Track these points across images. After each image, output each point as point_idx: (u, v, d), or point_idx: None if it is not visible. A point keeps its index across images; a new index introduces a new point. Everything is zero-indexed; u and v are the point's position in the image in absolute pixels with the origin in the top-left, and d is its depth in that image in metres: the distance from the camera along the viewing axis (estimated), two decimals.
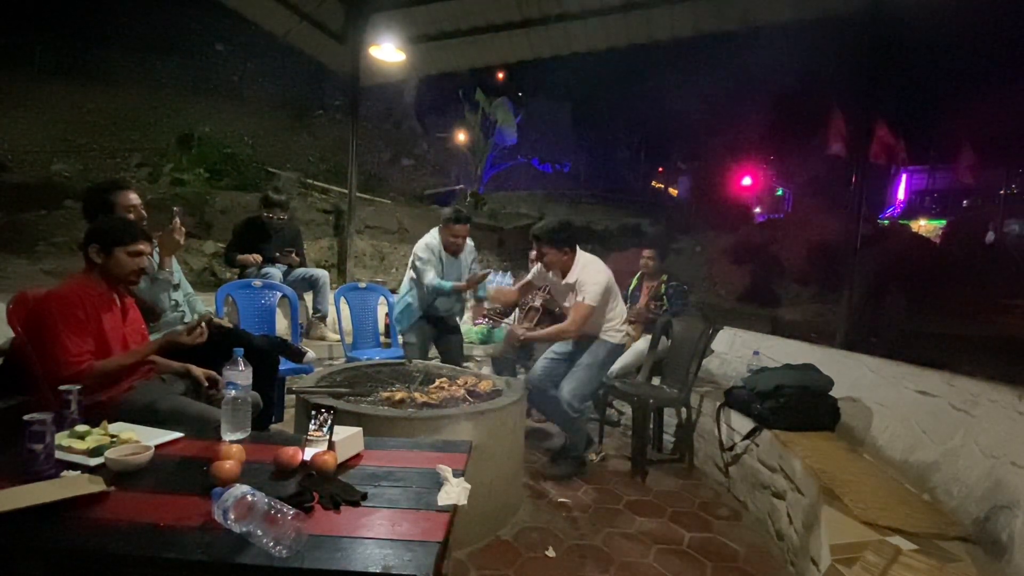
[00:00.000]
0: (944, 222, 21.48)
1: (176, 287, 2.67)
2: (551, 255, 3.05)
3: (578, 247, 3.11)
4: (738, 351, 4.12)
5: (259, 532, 1.08)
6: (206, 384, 2.17)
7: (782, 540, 2.41)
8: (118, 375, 1.96)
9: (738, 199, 21.78)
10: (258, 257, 4.07)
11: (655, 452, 3.56)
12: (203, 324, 2.07)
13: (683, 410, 3.33)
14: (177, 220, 2.58)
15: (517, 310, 4.31)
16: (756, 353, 3.73)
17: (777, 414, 2.74)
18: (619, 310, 3.16)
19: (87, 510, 1.21)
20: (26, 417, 1.31)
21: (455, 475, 1.42)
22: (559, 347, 3.23)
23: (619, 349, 3.24)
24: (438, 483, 1.39)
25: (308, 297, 4.44)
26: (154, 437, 1.60)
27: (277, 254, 4.14)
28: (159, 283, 2.53)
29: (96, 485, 1.27)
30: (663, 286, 3.94)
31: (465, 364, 3.82)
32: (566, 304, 3.17)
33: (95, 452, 1.44)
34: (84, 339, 1.87)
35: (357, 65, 5.50)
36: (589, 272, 3.02)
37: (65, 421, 1.56)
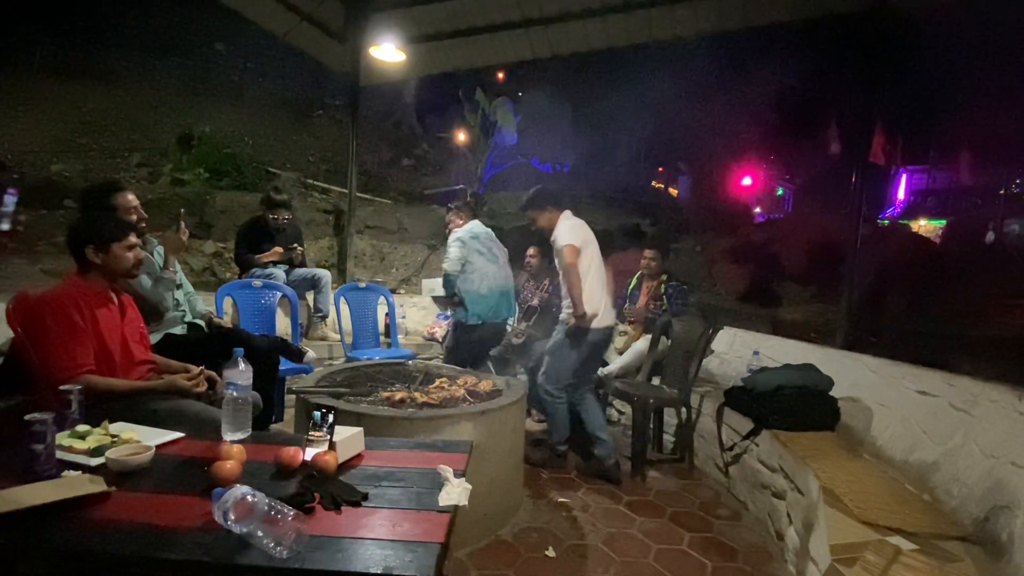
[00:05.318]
0: (944, 222, 21.48)
1: (178, 287, 2.69)
2: (536, 217, 3.20)
3: (568, 211, 3.20)
4: (738, 351, 4.12)
5: (259, 533, 1.07)
6: (206, 385, 2.17)
7: (782, 540, 2.41)
8: (108, 395, 1.88)
9: (738, 199, 21.76)
10: (279, 250, 4.13)
11: (655, 452, 3.56)
12: (203, 374, 2.07)
13: (683, 410, 3.34)
14: (182, 221, 2.62)
15: (516, 307, 4.32)
16: (756, 353, 3.73)
17: (777, 414, 2.74)
18: (588, 291, 3.03)
19: (88, 510, 1.21)
20: (27, 417, 1.30)
21: (456, 475, 1.42)
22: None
23: (584, 332, 3.05)
24: (439, 483, 1.39)
25: (308, 297, 4.45)
26: (154, 437, 1.60)
27: (282, 249, 4.18)
28: (163, 282, 2.54)
29: (97, 485, 1.26)
30: (663, 286, 3.93)
31: None
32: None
33: (96, 452, 1.44)
34: (81, 346, 1.85)
35: (357, 65, 5.50)
36: (563, 226, 3.13)
37: (66, 421, 1.56)
